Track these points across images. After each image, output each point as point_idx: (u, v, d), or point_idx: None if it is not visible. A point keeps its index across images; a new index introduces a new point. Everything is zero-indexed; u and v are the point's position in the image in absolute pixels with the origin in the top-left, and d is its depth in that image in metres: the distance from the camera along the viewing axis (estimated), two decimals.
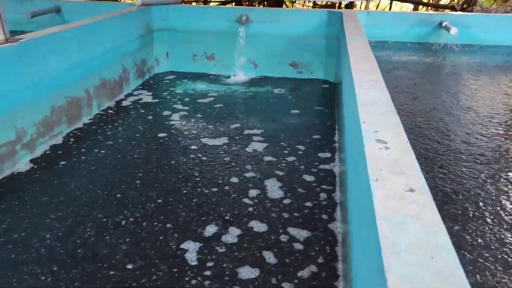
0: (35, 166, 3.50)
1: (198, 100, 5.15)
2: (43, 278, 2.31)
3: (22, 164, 3.51)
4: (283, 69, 6.16)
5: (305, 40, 5.97)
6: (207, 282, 2.30)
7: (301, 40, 5.99)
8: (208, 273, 2.37)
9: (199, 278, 2.33)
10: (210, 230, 2.73)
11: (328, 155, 3.75)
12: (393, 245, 1.19)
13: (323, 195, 3.14)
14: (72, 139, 4.02)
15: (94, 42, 4.59)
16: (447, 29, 6.02)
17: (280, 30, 5.98)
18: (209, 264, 2.44)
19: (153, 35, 6.08)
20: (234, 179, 3.35)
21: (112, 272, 2.36)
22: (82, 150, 3.81)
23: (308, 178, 3.39)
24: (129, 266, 2.40)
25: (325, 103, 5.16)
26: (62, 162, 3.57)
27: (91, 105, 4.59)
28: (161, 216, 2.86)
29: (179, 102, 5.07)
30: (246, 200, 3.07)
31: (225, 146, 3.92)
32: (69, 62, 4.17)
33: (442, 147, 3.67)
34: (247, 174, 3.43)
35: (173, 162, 3.60)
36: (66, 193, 3.12)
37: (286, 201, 3.07)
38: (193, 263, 2.44)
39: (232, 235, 2.69)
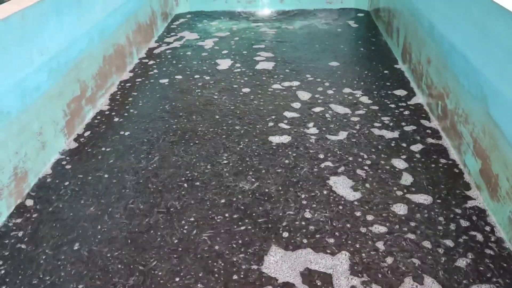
0: (101, 120, 3.27)
1: (225, 41, 4.83)
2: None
3: (89, 119, 3.27)
4: (310, 0, 5.85)
5: None
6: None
7: None
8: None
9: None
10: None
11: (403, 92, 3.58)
12: None
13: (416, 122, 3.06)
14: (125, 91, 3.76)
15: None
16: None
17: None
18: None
19: None
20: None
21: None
22: (129, 102, 3.58)
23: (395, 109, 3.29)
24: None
25: (370, 34, 4.95)
26: (125, 112, 3.35)
27: (132, 53, 4.28)
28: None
29: (205, 45, 4.74)
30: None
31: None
32: (110, 8, 3.80)
33: None
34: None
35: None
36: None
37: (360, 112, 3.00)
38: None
39: None
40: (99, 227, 2.27)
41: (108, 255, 2.10)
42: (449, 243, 2.08)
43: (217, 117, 3.28)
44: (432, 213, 2.26)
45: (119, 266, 2.04)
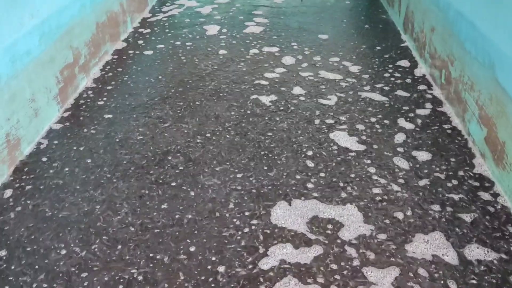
0: (94, 93, 3.17)
1: (223, 14, 4.73)
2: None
3: (82, 88, 3.17)
4: None
5: None
6: None
7: None
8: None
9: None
10: None
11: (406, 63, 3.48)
12: None
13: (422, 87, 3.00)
14: (116, 61, 3.65)
15: None
16: None
17: None
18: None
19: None
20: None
21: None
22: (123, 70, 3.48)
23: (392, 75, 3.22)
24: None
25: (371, 4, 4.84)
26: (113, 82, 3.25)
27: (126, 22, 4.15)
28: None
29: (203, 12, 4.67)
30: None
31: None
32: None
33: None
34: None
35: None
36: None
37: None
38: None
39: None
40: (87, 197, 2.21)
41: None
42: (456, 197, 2.09)
43: (211, 87, 3.20)
44: (436, 174, 2.24)
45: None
